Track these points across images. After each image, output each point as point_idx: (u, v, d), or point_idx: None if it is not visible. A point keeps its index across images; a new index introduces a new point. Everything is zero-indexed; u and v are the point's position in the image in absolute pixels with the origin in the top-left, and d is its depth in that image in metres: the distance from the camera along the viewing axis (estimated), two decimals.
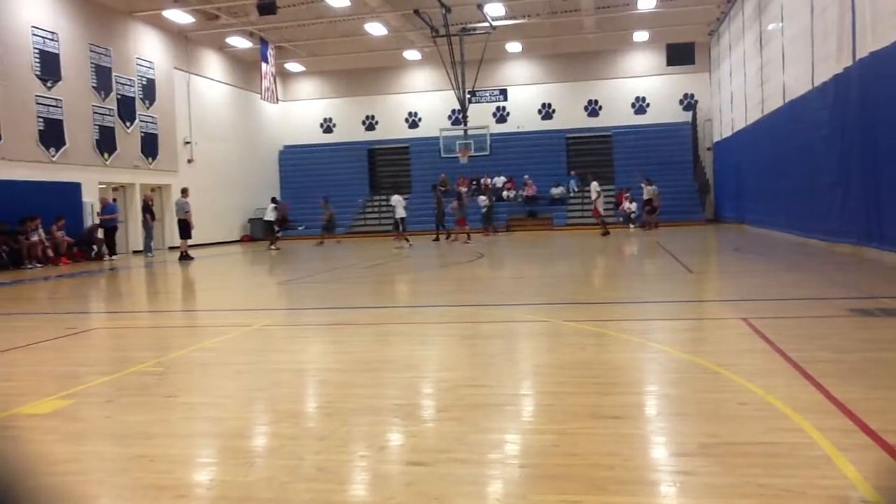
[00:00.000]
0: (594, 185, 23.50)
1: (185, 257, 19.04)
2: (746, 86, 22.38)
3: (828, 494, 2.78)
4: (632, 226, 26.54)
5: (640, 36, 30.11)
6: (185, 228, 19.34)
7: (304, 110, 35.29)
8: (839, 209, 13.34)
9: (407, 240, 21.76)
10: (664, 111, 31.84)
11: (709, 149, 31.27)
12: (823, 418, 3.63)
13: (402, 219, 22.15)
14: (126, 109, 23.59)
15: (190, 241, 19.55)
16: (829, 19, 13.58)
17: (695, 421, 3.77)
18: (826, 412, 3.75)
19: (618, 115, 32.23)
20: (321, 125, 35.34)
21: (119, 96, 23.30)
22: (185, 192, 19.62)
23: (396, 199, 22.48)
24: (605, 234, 23.07)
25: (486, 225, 27.25)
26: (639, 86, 32.21)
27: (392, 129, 34.45)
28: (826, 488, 2.83)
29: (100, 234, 20.86)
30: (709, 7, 25.94)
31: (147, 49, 25.02)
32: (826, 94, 13.88)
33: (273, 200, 24.86)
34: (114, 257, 20.47)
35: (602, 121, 32.44)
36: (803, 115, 15.61)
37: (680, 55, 27.43)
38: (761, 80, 20.02)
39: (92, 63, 22.14)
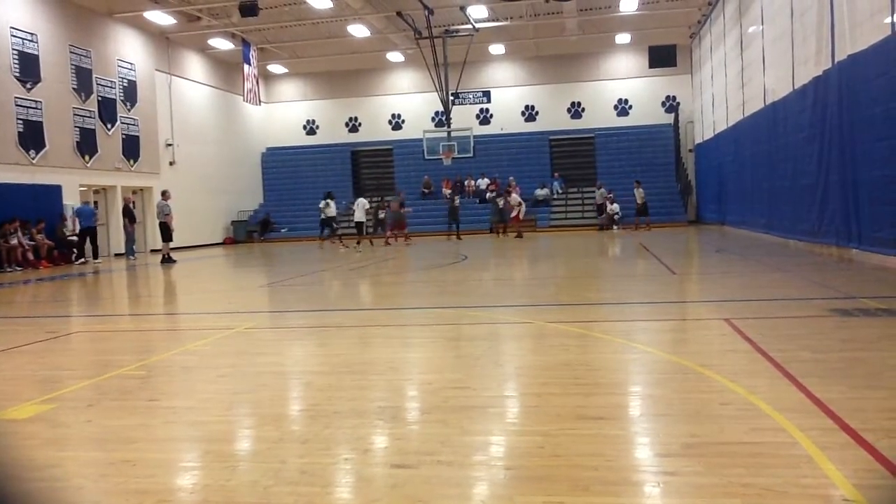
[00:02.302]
0: (514, 197, 25.52)
1: (166, 260, 18.89)
2: (728, 88, 22.55)
3: (809, 493, 2.80)
4: (615, 227, 26.71)
5: (623, 38, 30.25)
6: (165, 231, 19.15)
7: (286, 112, 35.15)
8: (819, 210, 13.48)
9: (358, 243, 21.48)
10: (646, 113, 32.01)
11: (691, 150, 31.48)
12: (805, 418, 3.67)
13: (359, 223, 23.06)
14: (107, 111, 23.37)
15: (172, 244, 19.39)
16: (808, 22, 13.71)
17: (678, 421, 3.79)
18: (807, 412, 3.79)
19: (600, 117, 32.37)
20: (304, 127, 35.21)
21: (100, 98, 23.07)
22: (165, 194, 19.44)
23: (360, 203, 23.65)
24: (519, 236, 24.95)
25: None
26: (621, 88, 32.37)
27: (375, 130, 34.38)
28: (807, 487, 2.85)
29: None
30: (690, 10, 26.14)
31: (128, 50, 24.81)
32: (806, 96, 14.01)
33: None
34: (79, 261, 20.20)
35: (585, 123, 32.57)
36: (784, 117, 15.76)
37: (662, 57, 27.58)
38: (742, 83, 20.18)
39: (72, 64, 21.91)
